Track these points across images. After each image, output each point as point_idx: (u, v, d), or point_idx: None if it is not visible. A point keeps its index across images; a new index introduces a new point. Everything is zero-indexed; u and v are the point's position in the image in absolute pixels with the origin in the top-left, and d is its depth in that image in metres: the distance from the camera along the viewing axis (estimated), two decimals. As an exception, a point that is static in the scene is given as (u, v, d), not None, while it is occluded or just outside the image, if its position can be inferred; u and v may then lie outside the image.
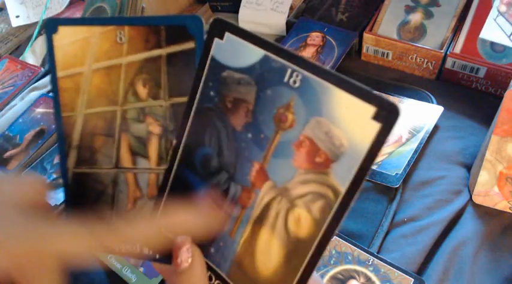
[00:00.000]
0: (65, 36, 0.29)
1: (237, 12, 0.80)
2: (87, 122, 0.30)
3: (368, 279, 0.44)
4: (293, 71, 0.21)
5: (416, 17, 0.67)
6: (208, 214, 0.25)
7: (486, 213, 0.49)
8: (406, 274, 0.44)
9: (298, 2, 0.79)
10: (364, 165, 0.20)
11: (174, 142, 0.26)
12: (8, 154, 0.68)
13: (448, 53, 0.62)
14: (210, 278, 0.26)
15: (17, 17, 0.95)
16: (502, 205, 0.48)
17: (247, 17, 0.79)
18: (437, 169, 0.53)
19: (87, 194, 0.30)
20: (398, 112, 0.18)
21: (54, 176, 0.62)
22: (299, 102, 0.21)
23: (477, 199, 0.49)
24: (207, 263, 0.26)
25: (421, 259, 0.46)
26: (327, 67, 0.21)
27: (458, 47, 0.63)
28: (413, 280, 0.43)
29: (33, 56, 0.89)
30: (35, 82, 0.81)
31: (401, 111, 0.18)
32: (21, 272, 0.23)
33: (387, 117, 0.19)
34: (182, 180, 0.26)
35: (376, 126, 0.19)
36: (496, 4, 0.54)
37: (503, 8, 0.52)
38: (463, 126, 0.58)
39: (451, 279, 0.44)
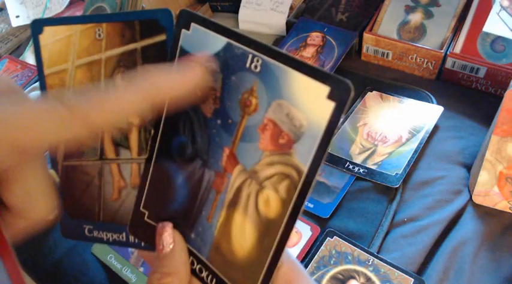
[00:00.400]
0: (49, 36, 0.30)
1: (237, 12, 0.80)
2: None
3: (368, 279, 0.44)
4: (254, 56, 0.22)
5: (416, 17, 0.67)
6: (189, 72, 0.23)
7: (486, 213, 0.49)
8: (406, 274, 0.44)
9: (298, 2, 0.79)
10: (322, 144, 0.20)
11: (152, 132, 0.27)
12: (8, 154, 0.68)
13: (448, 53, 0.62)
14: (192, 263, 0.26)
15: (17, 17, 0.95)
16: (502, 205, 0.48)
17: (247, 17, 0.79)
18: (437, 169, 0.53)
19: (76, 186, 0.31)
20: (350, 90, 0.19)
21: (54, 176, 0.62)
22: (261, 86, 0.22)
23: (477, 199, 0.49)
24: (188, 249, 0.26)
25: (421, 259, 0.46)
26: (284, 51, 0.21)
27: (458, 47, 0.63)
28: (413, 280, 0.43)
29: (33, 56, 0.89)
30: (35, 82, 0.81)
31: (352, 89, 0.19)
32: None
33: (340, 95, 0.19)
34: (161, 169, 0.27)
35: (330, 105, 0.20)
36: (498, -1, 0.54)
37: (505, 3, 0.52)
38: (463, 126, 0.58)
39: (451, 279, 0.44)
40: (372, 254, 0.46)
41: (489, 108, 0.55)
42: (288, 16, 0.75)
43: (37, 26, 0.30)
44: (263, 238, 0.23)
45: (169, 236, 0.26)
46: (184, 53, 0.25)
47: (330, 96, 0.20)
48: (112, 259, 0.51)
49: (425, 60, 0.64)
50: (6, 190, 0.21)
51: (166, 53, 0.26)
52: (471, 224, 0.48)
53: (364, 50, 0.69)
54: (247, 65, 0.23)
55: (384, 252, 0.47)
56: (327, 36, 0.69)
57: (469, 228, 0.47)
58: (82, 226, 0.31)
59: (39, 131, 0.19)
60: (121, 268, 0.50)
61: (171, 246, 0.25)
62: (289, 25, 0.75)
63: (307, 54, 0.68)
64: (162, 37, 0.27)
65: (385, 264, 0.45)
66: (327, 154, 0.20)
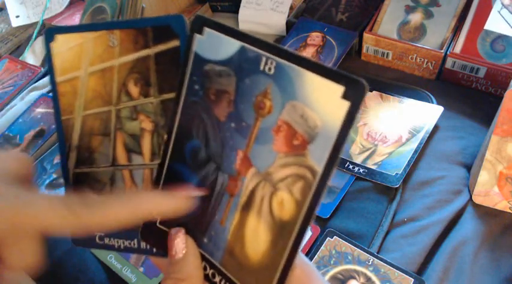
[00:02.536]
0: (62, 44, 0.30)
1: (237, 12, 0.80)
2: (84, 123, 0.31)
3: (368, 279, 0.44)
4: (267, 59, 0.22)
5: (416, 17, 0.67)
6: (180, 197, 0.25)
7: (486, 213, 0.49)
8: (406, 274, 0.44)
9: (298, 2, 0.79)
10: (337, 144, 0.20)
11: (165, 137, 0.27)
12: (8, 154, 0.68)
13: (448, 53, 0.62)
14: (205, 268, 0.26)
15: (17, 17, 0.95)
16: (502, 205, 0.48)
17: (247, 17, 0.79)
18: (437, 169, 0.53)
19: (88, 192, 0.31)
20: (365, 89, 0.19)
21: (54, 176, 0.62)
22: (275, 88, 0.22)
23: (477, 199, 0.49)
24: (201, 254, 0.26)
25: (421, 259, 0.46)
26: (297, 52, 0.21)
27: (458, 47, 0.63)
28: (413, 280, 0.43)
29: (33, 56, 0.89)
30: (35, 82, 0.81)
31: (367, 87, 0.19)
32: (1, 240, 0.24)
33: (355, 94, 0.19)
34: (174, 173, 0.27)
35: (345, 105, 0.20)
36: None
37: (506, 1, 0.52)
38: (463, 126, 0.58)
39: (451, 279, 0.44)
40: (372, 254, 0.46)
41: (489, 108, 0.55)
42: (288, 16, 0.75)
43: (49, 34, 0.31)
44: (277, 240, 0.23)
45: (181, 242, 0.26)
46: (198, 57, 0.25)
47: (345, 96, 0.19)
48: (112, 259, 0.51)
49: (425, 60, 0.64)
50: (6, 248, 0.24)
51: (179, 58, 0.26)
52: (471, 224, 0.48)
53: (364, 50, 0.69)
54: (261, 67, 0.22)
55: (383, 252, 0.47)
56: (327, 36, 0.69)
57: (469, 228, 0.47)
58: (93, 234, 0.31)
59: (45, 223, 0.23)
60: (121, 268, 0.50)
61: (183, 252, 0.25)
62: (289, 25, 0.75)
63: (307, 54, 0.68)
64: (175, 43, 0.27)
65: (385, 264, 0.45)
66: (341, 154, 0.20)
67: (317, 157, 0.21)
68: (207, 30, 0.24)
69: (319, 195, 0.21)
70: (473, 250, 0.46)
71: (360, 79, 0.19)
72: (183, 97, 0.26)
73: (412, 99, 0.60)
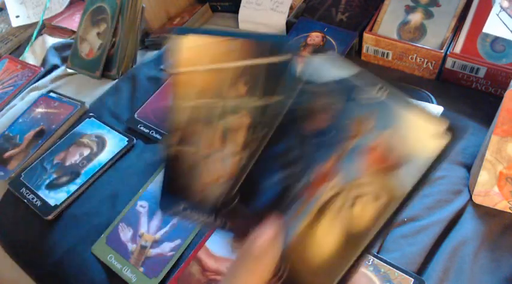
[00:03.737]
0: (191, 41, 0.35)
1: (237, 12, 0.80)
2: (194, 110, 0.35)
3: (368, 279, 0.44)
4: (381, 87, 0.25)
5: (416, 17, 0.67)
6: None
7: (486, 213, 0.49)
8: (406, 274, 0.44)
9: (298, 2, 0.79)
10: (425, 174, 0.23)
11: (261, 134, 0.30)
12: (8, 154, 0.68)
13: (448, 53, 0.62)
14: None
15: (17, 17, 0.95)
16: (502, 205, 0.48)
17: (247, 17, 0.79)
18: (437, 169, 0.53)
19: (181, 167, 0.35)
20: (463, 133, 0.22)
21: (54, 176, 0.62)
22: (382, 111, 0.25)
23: (477, 199, 0.49)
24: None
25: (421, 259, 0.46)
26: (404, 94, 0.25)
27: (458, 47, 0.63)
28: (413, 280, 0.43)
29: (33, 56, 0.89)
30: (35, 82, 0.81)
31: (465, 130, 0.22)
32: None
33: (453, 136, 0.22)
34: (261, 166, 0.30)
35: (442, 143, 0.22)
36: (498, 0, 0.54)
37: (505, 4, 0.52)
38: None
39: (451, 279, 0.44)
40: (372, 254, 0.46)
41: (489, 108, 0.55)
42: (288, 16, 0.75)
43: (183, 32, 0.35)
44: (343, 251, 0.24)
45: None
46: (304, 76, 0.28)
47: (443, 136, 0.22)
48: (112, 259, 0.51)
49: (425, 60, 0.64)
50: None
51: (287, 71, 0.30)
52: (471, 224, 0.48)
53: (364, 50, 0.69)
54: (374, 92, 0.25)
55: (384, 252, 0.47)
56: (327, 36, 0.69)
57: (469, 228, 0.47)
58: (179, 203, 0.34)
59: None
60: (121, 268, 0.50)
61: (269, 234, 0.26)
62: (289, 25, 0.75)
63: (307, 54, 0.68)
64: (286, 58, 0.31)
65: (385, 264, 0.45)
66: (424, 185, 0.23)
67: (402, 182, 0.23)
68: (312, 56, 0.28)
69: (394, 217, 0.23)
70: (473, 250, 0.46)
71: (461, 125, 0.22)
72: (287, 107, 0.29)
73: (412, 99, 0.60)
